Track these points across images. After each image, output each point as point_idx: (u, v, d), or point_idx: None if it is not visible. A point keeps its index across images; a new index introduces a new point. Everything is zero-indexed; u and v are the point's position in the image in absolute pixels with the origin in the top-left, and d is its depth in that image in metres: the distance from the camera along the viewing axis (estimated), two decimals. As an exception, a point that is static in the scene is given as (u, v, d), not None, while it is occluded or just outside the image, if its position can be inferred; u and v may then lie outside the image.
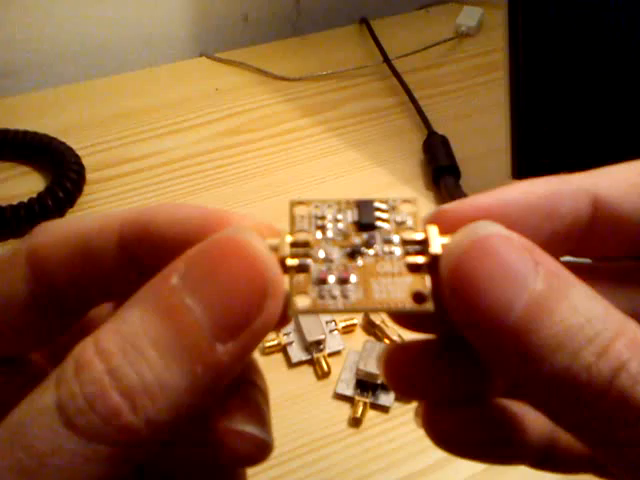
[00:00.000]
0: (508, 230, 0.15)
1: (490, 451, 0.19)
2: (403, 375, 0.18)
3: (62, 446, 0.13)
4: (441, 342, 0.19)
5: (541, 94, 0.44)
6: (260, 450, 0.16)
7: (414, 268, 0.16)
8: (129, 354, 0.14)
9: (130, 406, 0.13)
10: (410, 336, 0.18)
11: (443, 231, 0.16)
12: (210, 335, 0.14)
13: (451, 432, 0.19)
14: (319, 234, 0.16)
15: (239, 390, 0.17)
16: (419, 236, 0.16)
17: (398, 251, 0.16)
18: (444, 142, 0.53)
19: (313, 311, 0.15)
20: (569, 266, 0.15)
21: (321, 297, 0.15)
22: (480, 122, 0.57)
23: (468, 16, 0.67)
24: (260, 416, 0.17)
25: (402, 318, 0.19)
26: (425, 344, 0.19)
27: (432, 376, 0.18)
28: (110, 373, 0.13)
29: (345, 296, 0.15)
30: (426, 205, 0.50)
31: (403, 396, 0.19)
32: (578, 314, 0.14)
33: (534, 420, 0.19)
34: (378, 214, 0.17)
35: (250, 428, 0.16)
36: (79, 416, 0.13)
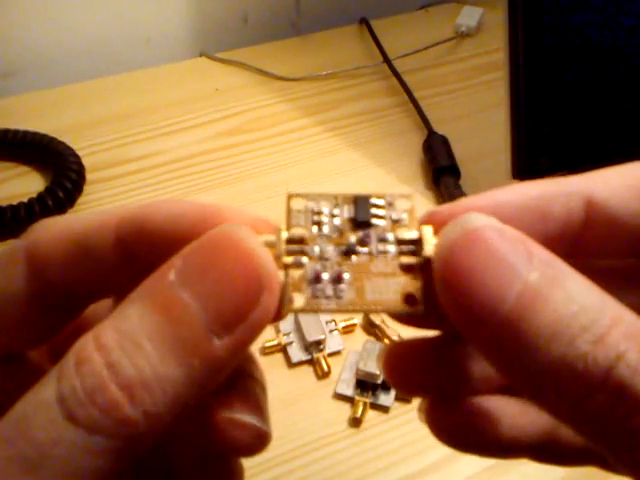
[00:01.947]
0: (500, 222, 0.15)
1: (492, 445, 0.19)
2: (404, 372, 0.18)
3: (63, 438, 0.13)
4: (440, 338, 0.19)
5: (541, 94, 0.44)
6: (259, 440, 0.17)
7: (407, 268, 0.16)
8: (127, 348, 0.14)
9: (128, 398, 0.14)
10: (410, 334, 0.18)
11: (435, 232, 0.16)
12: (206, 329, 0.14)
13: (454, 427, 0.19)
14: (315, 229, 0.17)
15: (237, 381, 0.17)
16: (413, 235, 0.17)
17: (392, 250, 0.16)
18: (444, 142, 0.53)
19: (306, 310, 0.16)
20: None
21: (315, 296, 0.16)
22: (480, 122, 0.57)
23: (468, 16, 0.67)
24: (259, 406, 0.17)
25: (398, 316, 0.19)
26: (424, 341, 0.19)
27: (433, 373, 0.18)
28: (109, 367, 0.14)
29: (338, 296, 0.16)
30: (426, 205, 0.50)
31: (404, 393, 0.19)
32: (573, 303, 0.14)
33: (534, 413, 0.19)
34: (374, 211, 0.17)
35: (249, 418, 0.17)
36: (79, 408, 0.13)
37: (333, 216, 0.17)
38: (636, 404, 0.13)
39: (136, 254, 0.17)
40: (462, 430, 0.19)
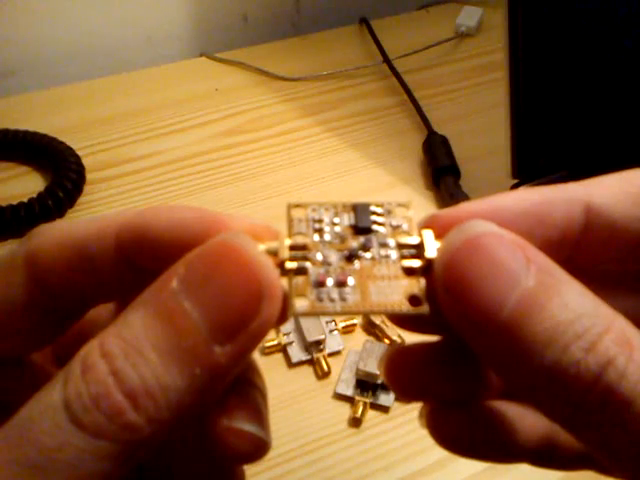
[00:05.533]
0: (500, 228, 0.15)
1: (492, 450, 0.19)
2: (405, 377, 0.19)
3: (68, 442, 0.14)
4: (441, 344, 0.19)
5: (541, 94, 0.44)
6: (258, 448, 0.17)
7: (410, 271, 0.16)
8: (131, 356, 0.14)
9: (132, 405, 0.14)
10: (411, 337, 0.18)
11: (436, 236, 0.17)
12: (208, 338, 0.14)
13: (455, 433, 0.19)
14: (316, 237, 0.17)
15: (238, 389, 0.17)
16: (414, 240, 0.17)
17: (394, 254, 0.17)
18: (444, 142, 0.53)
19: (311, 313, 0.16)
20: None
21: (319, 299, 0.16)
22: (480, 122, 0.57)
23: (468, 16, 0.67)
24: (258, 415, 0.17)
25: (400, 320, 0.19)
26: (425, 346, 0.19)
27: (433, 378, 0.18)
28: (113, 374, 0.14)
29: (343, 298, 0.16)
30: (425, 206, 0.50)
31: (405, 398, 0.19)
32: (568, 310, 0.14)
33: (533, 418, 0.19)
34: (374, 218, 0.17)
35: (249, 426, 0.17)
36: (85, 414, 0.14)
37: (334, 224, 0.17)
38: (621, 405, 0.13)
39: (136, 260, 0.17)
40: (462, 435, 0.19)
